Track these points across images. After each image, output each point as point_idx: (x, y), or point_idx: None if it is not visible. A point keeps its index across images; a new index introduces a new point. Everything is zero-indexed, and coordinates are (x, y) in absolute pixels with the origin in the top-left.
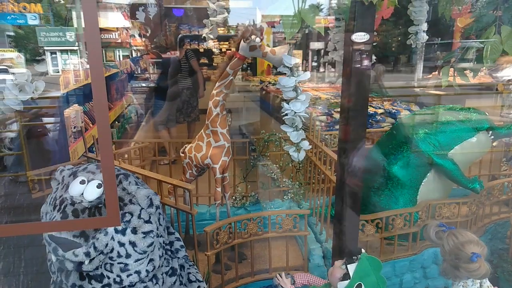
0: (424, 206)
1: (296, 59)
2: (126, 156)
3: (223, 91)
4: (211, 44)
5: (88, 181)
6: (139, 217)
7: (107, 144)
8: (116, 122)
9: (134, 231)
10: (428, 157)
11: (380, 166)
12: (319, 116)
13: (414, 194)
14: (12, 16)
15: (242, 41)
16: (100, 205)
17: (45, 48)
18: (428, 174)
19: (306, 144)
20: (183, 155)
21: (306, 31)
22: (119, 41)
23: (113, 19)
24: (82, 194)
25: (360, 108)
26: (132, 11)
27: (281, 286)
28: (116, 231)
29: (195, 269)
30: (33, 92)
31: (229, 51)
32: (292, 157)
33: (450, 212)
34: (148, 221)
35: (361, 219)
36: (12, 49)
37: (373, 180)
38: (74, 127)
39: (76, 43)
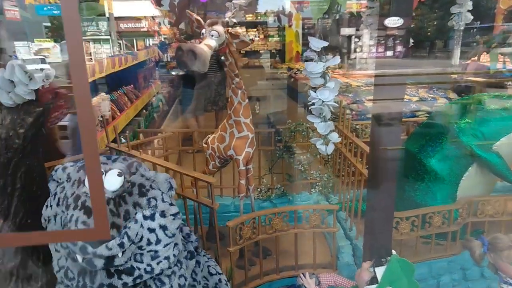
0: (464, 203)
1: (324, 42)
2: (150, 145)
3: (232, 81)
4: (239, 31)
5: (106, 172)
6: (163, 201)
7: (91, 142)
8: (144, 111)
9: (163, 214)
10: (469, 150)
11: (416, 159)
12: (349, 105)
13: (453, 190)
14: (48, 7)
15: None
16: (124, 194)
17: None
18: (470, 168)
19: (335, 137)
20: (205, 145)
21: (337, 17)
22: (146, 29)
23: (141, 8)
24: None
25: (395, 96)
26: None
27: (305, 287)
28: (145, 217)
29: (214, 261)
30: (43, 81)
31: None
32: (320, 150)
33: (494, 209)
34: (172, 204)
35: (395, 216)
36: (49, 39)
37: (408, 174)
38: (101, 116)
39: (108, 32)
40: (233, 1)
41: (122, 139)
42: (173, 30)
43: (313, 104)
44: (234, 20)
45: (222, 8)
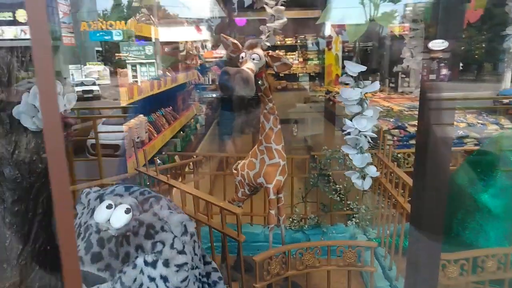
0: None
1: (361, 67)
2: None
3: (265, 106)
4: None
5: (116, 205)
6: (171, 246)
7: (59, 167)
8: (181, 132)
9: (166, 263)
10: None
11: (466, 193)
12: (390, 130)
13: (510, 229)
14: (100, 33)
15: None
16: (128, 233)
17: (127, 61)
18: None
19: (373, 171)
20: (235, 171)
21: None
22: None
23: (186, 33)
24: (109, 220)
25: (443, 121)
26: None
27: None
28: (146, 263)
29: None
30: (64, 105)
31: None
32: (355, 185)
33: None
34: (182, 252)
35: (442, 258)
36: (99, 63)
37: (456, 210)
38: (138, 137)
39: (154, 56)
40: (267, 24)
41: (158, 160)
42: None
43: (349, 133)
44: (268, 44)
45: (261, 32)
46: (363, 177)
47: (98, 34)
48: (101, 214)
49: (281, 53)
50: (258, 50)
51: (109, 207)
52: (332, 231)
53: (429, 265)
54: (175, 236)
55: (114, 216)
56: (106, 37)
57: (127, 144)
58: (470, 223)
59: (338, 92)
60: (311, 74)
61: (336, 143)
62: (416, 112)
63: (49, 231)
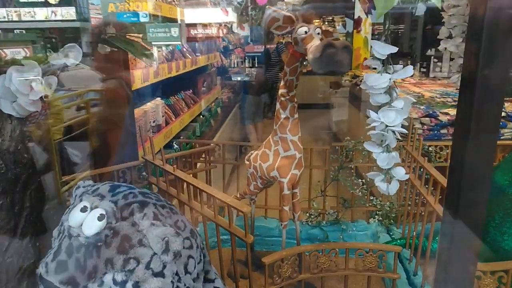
0: None
1: (392, 48)
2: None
3: (287, 92)
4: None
5: (91, 209)
6: (147, 266)
7: None
8: (201, 116)
9: (137, 286)
10: None
11: (505, 194)
12: (420, 118)
13: None
14: (127, 14)
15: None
16: (99, 244)
17: (153, 43)
18: None
19: (401, 173)
20: (247, 163)
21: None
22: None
23: (213, 14)
24: (82, 225)
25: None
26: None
27: None
28: (115, 282)
29: None
30: (44, 90)
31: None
32: (379, 188)
33: None
34: (158, 274)
35: (477, 269)
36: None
37: (494, 213)
38: (154, 121)
39: (180, 38)
40: (285, 0)
41: (175, 145)
42: (237, 36)
43: (374, 128)
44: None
45: None
46: (389, 180)
47: (125, 16)
48: (74, 217)
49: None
50: (316, 24)
51: (83, 210)
52: (353, 228)
53: (461, 276)
54: (155, 254)
55: (87, 221)
56: (133, 19)
57: (142, 128)
58: (509, 227)
59: None
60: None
61: (362, 130)
62: (449, 99)
63: (38, 226)
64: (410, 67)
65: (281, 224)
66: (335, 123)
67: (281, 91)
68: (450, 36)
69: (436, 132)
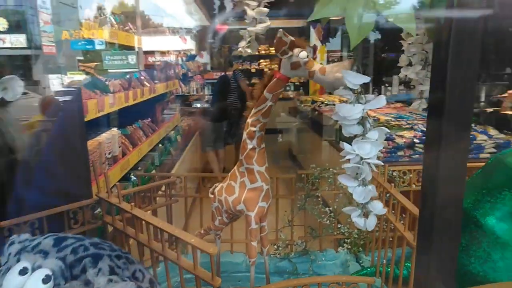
0: None
1: (364, 77)
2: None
3: (260, 120)
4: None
5: (33, 270)
6: None
7: None
8: (160, 145)
9: None
10: None
11: (470, 217)
12: None
13: None
14: (82, 42)
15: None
16: None
17: (109, 70)
18: None
19: (379, 207)
20: (212, 196)
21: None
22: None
23: (171, 43)
24: None
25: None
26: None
27: None
28: None
29: None
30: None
31: (270, 70)
32: (356, 224)
33: None
34: None
35: None
36: (80, 72)
37: (460, 235)
38: (110, 153)
39: (137, 65)
40: (248, 29)
41: (132, 176)
42: (197, 63)
43: (349, 161)
44: (249, 51)
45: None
46: (366, 215)
47: (79, 43)
48: (11, 282)
49: (265, 62)
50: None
51: (23, 272)
52: (322, 258)
53: None
54: None
55: (28, 286)
56: (88, 46)
57: (96, 161)
58: (476, 250)
59: (324, 102)
60: (296, 83)
61: (323, 155)
62: (403, 122)
63: None
64: (383, 97)
65: (250, 261)
66: (295, 149)
67: (251, 120)
68: (409, 64)
69: (393, 154)
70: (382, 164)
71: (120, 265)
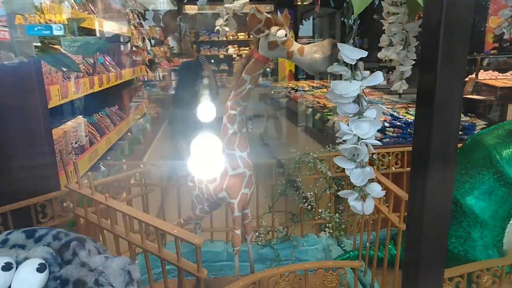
0: None
1: (362, 51)
2: (123, 184)
3: (241, 104)
4: (231, 50)
5: (18, 263)
6: None
7: None
8: (129, 134)
9: None
10: None
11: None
12: None
13: (498, 237)
14: (38, 27)
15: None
16: None
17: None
18: None
19: (377, 190)
20: (191, 184)
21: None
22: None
23: (135, 27)
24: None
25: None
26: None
27: None
28: None
29: None
30: None
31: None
32: (353, 208)
33: None
34: None
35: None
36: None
37: None
38: (76, 142)
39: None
40: (225, 5)
41: (102, 167)
42: (163, 48)
43: (344, 141)
44: (227, 29)
45: (212, 26)
46: (363, 198)
47: (36, 29)
48: None
49: (233, 48)
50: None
51: (6, 267)
52: (303, 244)
53: (429, 285)
54: None
55: (18, 280)
56: (45, 32)
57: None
58: (456, 230)
59: (294, 88)
60: (266, 69)
61: (298, 142)
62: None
63: None
64: (380, 73)
65: (233, 250)
66: (269, 135)
67: (230, 103)
68: (391, 44)
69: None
70: (380, 144)
71: (98, 246)
